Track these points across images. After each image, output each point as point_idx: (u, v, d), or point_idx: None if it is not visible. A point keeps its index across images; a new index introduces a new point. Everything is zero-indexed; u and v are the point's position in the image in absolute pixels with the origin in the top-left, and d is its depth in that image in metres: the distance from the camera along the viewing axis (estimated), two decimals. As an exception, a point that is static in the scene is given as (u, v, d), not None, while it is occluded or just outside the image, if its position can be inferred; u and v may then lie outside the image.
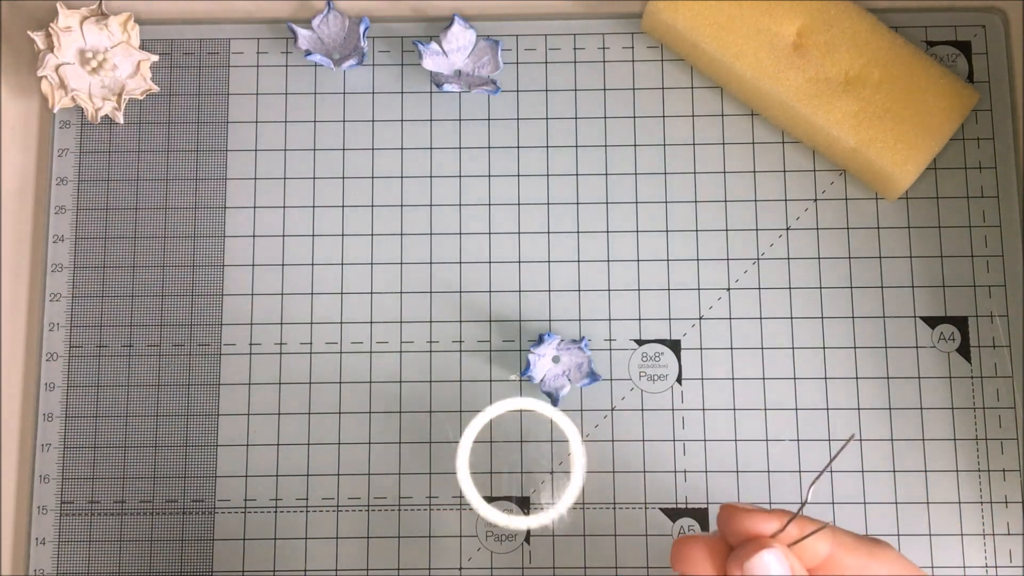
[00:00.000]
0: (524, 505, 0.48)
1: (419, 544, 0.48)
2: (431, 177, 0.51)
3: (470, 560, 0.48)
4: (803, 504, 0.35)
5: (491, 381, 0.49)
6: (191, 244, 0.51)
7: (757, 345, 0.49)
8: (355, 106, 0.52)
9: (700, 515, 0.48)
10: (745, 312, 0.50)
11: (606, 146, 0.51)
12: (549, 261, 0.50)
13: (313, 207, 0.51)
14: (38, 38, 0.51)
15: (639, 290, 0.50)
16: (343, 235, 0.51)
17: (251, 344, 0.50)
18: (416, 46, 0.50)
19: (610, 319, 0.50)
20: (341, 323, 0.50)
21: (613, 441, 0.49)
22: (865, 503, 0.48)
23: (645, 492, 0.48)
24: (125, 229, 0.51)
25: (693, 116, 0.51)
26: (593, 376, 0.48)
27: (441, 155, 0.51)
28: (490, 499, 0.48)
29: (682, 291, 0.50)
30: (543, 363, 0.48)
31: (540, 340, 0.48)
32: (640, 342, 0.50)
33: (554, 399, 0.48)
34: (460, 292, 0.50)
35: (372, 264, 0.50)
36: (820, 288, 0.50)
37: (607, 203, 0.51)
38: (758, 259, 0.50)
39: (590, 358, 0.48)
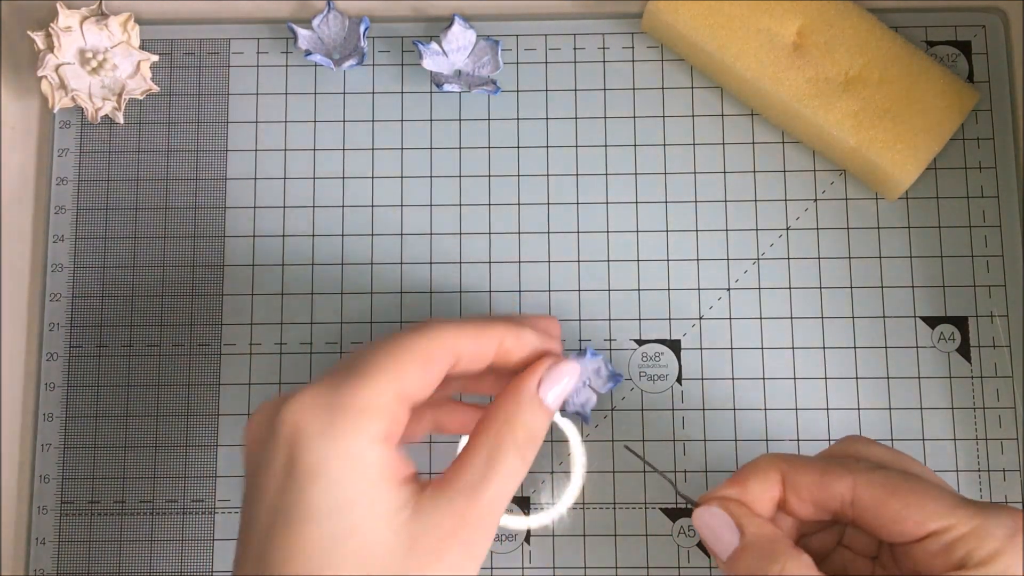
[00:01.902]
0: (524, 505, 0.48)
1: (419, 544, 0.48)
2: (431, 177, 0.51)
3: (470, 560, 0.48)
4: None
5: (491, 381, 0.49)
6: (191, 244, 0.51)
7: (757, 345, 0.49)
8: (355, 106, 0.52)
9: (700, 515, 0.48)
10: (745, 312, 0.50)
11: (606, 146, 0.51)
12: (549, 261, 0.50)
13: (313, 207, 0.51)
14: (38, 38, 0.51)
15: (639, 290, 0.50)
16: (343, 235, 0.51)
17: (251, 344, 0.50)
18: (416, 46, 0.50)
19: (610, 319, 0.50)
20: (341, 323, 0.50)
21: (613, 441, 0.49)
22: (865, 503, 0.48)
23: (645, 492, 0.48)
24: (125, 229, 0.51)
25: (693, 116, 0.51)
26: (615, 376, 0.46)
27: (441, 155, 0.51)
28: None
29: (682, 291, 0.50)
30: None
31: None
32: (640, 342, 0.50)
33: (584, 417, 0.46)
34: (460, 292, 0.50)
35: (372, 264, 0.50)
36: (820, 288, 0.50)
37: (607, 203, 0.51)
38: (758, 259, 0.50)
39: (604, 359, 0.45)
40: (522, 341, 0.40)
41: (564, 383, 0.40)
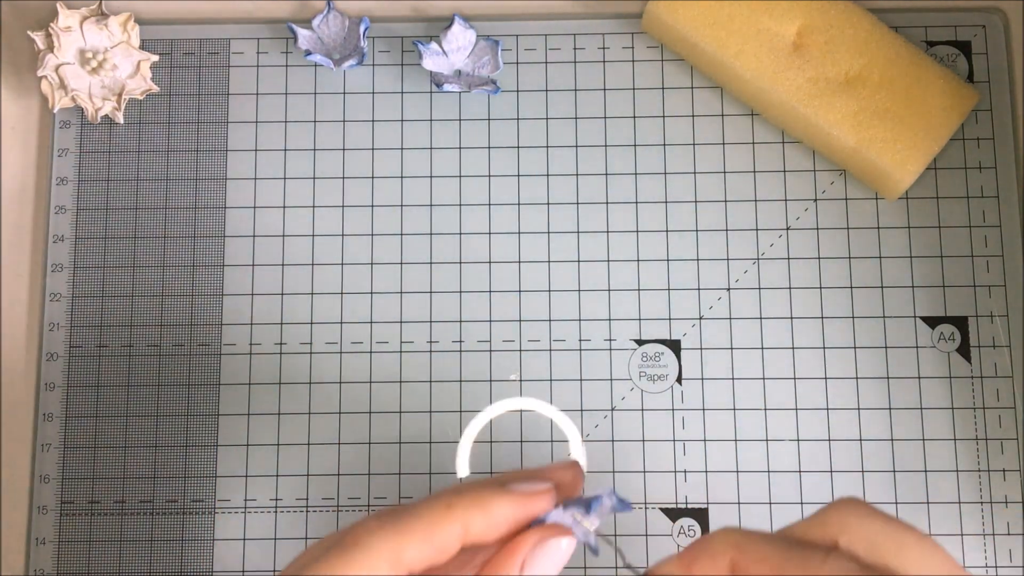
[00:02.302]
0: (524, 505, 0.48)
1: (419, 544, 0.48)
2: (431, 177, 0.51)
3: (470, 560, 0.48)
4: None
5: (491, 381, 0.49)
6: (191, 244, 0.51)
7: (757, 345, 0.49)
8: (355, 106, 0.52)
9: (700, 515, 0.48)
10: (745, 312, 0.50)
11: (606, 146, 0.51)
12: (549, 261, 0.50)
13: (313, 207, 0.51)
14: (38, 38, 0.51)
15: (639, 290, 0.50)
16: (343, 235, 0.51)
17: (251, 344, 0.50)
18: (416, 46, 0.50)
19: (610, 319, 0.50)
20: (341, 323, 0.50)
21: (613, 441, 0.49)
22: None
23: (645, 492, 0.48)
24: (125, 229, 0.51)
25: (693, 116, 0.51)
26: (623, 504, 0.35)
27: (441, 155, 0.51)
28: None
29: (682, 291, 0.50)
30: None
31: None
32: (640, 342, 0.50)
33: (592, 548, 0.35)
34: (460, 292, 0.50)
35: (372, 264, 0.50)
36: (820, 288, 0.50)
37: (607, 203, 0.51)
38: (758, 259, 0.50)
39: (609, 491, 0.35)
40: (493, 521, 0.32)
41: (556, 560, 0.32)
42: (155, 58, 0.51)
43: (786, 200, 0.51)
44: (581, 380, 0.49)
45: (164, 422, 0.49)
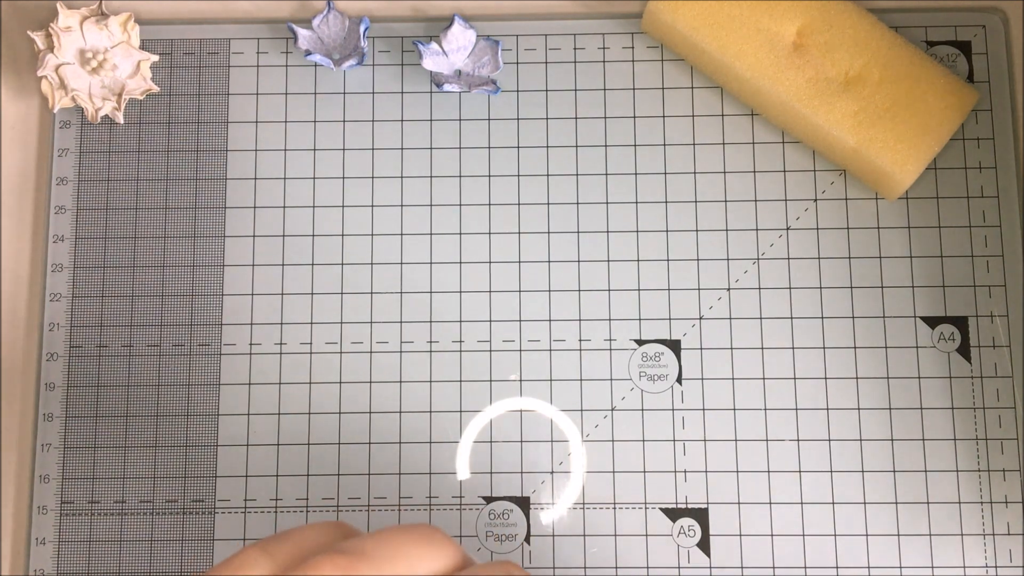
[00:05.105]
0: (524, 505, 0.48)
1: (419, 544, 0.48)
2: (431, 177, 0.51)
3: (470, 560, 0.48)
4: None
5: (491, 381, 0.49)
6: (191, 244, 0.51)
7: (757, 345, 0.49)
8: (355, 106, 0.52)
9: (700, 515, 0.48)
10: (745, 312, 0.50)
11: (606, 146, 0.51)
12: (549, 261, 0.50)
13: (313, 207, 0.51)
14: (38, 38, 0.51)
15: (639, 290, 0.50)
16: (343, 235, 0.51)
17: (251, 344, 0.50)
18: (416, 46, 0.50)
19: (610, 319, 0.50)
20: (341, 323, 0.50)
21: (613, 441, 0.49)
22: (865, 503, 0.48)
23: (645, 492, 0.48)
24: (125, 229, 0.51)
25: (693, 116, 0.51)
26: None
27: (441, 155, 0.51)
28: (490, 499, 0.48)
29: (682, 291, 0.50)
30: None
31: None
32: (640, 342, 0.50)
33: None
34: (460, 292, 0.50)
35: (372, 264, 0.50)
36: (820, 288, 0.50)
37: (607, 203, 0.51)
38: (758, 259, 0.50)
39: None
40: None
41: None
42: (155, 58, 0.51)
43: (786, 200, 0.51)
44: (581, 380, 0.49)
45: (164, 422, 0.49)
